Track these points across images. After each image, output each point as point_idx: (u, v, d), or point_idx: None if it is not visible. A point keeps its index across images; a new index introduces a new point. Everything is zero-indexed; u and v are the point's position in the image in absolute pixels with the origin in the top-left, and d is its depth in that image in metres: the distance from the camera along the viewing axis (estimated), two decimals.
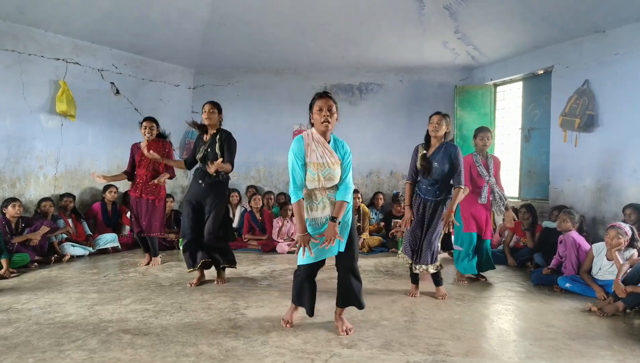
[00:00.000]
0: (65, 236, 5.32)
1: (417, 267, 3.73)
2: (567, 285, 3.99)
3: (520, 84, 6.46)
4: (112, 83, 6.35)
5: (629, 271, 3.55)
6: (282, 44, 6.41)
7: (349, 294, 2.90)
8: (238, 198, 6.84)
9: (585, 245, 4.18)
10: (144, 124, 4.74)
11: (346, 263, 2.89)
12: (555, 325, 3.14)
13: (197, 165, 4.14)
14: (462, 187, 3.64)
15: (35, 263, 4.76)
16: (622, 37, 4.88)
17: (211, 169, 3.86)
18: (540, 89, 6.08)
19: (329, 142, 2.83)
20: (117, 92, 6.41)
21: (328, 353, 2.59)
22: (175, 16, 5.64)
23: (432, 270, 3.71)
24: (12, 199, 4.87)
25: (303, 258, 2.83)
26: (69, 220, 5.53)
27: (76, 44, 5.87)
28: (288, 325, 3.00)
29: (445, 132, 3.70)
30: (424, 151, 3.72)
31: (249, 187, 7.30)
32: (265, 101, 7.41)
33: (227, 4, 5.43)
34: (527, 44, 5.87)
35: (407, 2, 5.23)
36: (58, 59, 5.68)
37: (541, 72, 6.00)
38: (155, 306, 3.43)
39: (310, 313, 3.01)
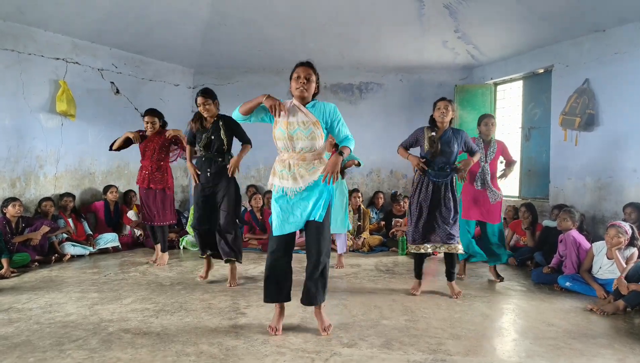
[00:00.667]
0: (65, 235, 5.32)
1: (438, 247, 3.68)
2: (568, 283, 3.99)
3: (520, 83, 6.46)
4: (112, 83, 6.35)
5: (629, 269, 3.55)
6: (282, 43, 6.41)
7: (310, 291, 2.85)
8: None
9: (585, 243, 4.18)
10: (145, 118, 4.69)
11: (312, 249, 2.78)
12: (556, 324, 3.14)
13: (198, 154, 4.08)
14: (479, 152, 3.87)
15: (36, 263, 4.76)
16: (622, 37, 4.88)
17: (232, 169, 3.94)
18: (540, 88, 6.08)
19: (306, 105, 2.79)
20: (117, 91, 6.41)
21: (328, 352, 2.59)
22: (175, 16, 5.63)
23: (460, 249, 3.69)
24: (12, 199, 4.87)
25: (276, 228, 2.77)
26: (69, 220, 5.53)
27: (76, 44, 5.86)
28: (277, 333, 2.85)
29: (452, 119, 3.73)
30: (433, 134, 3.70)
31: (249, 186, 7.30)
32: None
33: (227, 3, 5.43)
34: (527, 43, 5.87)
35: (407, 2, 5.23)
36: (58, 58, 5.67)
37: (541, 71, 6.00)
38: (156, 305, 3.43)
39: (283, 297, 2.90)
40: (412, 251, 3.79)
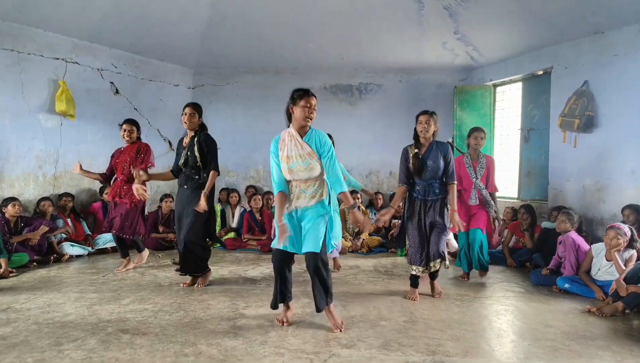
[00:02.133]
0: (64, 235, 5.32)
1: (431, 265, 3.65)
2: (566, 285, 3.99)
3: (519, 84, 6.46)
4: (112, 83, 6.35)
5: (628, 271, 3.56)
6: (282, 44, 6.41)
7: (317, 299, 3.00)
8: (237, 198, 6.84)
9: (584, 245, 4.19)
10: (124, 126, 4.59)
11: (311, 267, 2.92)
12: (554, 326, 3.15)
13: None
14: (455, 183, 3.68)
15: (34, 263, 4.76)
16: (621, 39, 4.89)
17: (201, 207, 3.77)
18: (539, 90, 6.08)
19: (304, 135, 2.93)
20: (117, 91, 6.40)
21: (327, 353, 2.59)
22: (175, 16, 5.63)
23: (438, 265, 3.66)
24: (11, 199, 4.86)
25: (278, 244, 2.96)
26: (68, 220, 5.52)
27: (75, 44, 5.86)
28: (285, 324, 3.05)
29: (434, 131, 3.65)
30: (416, 150, 3.66)
31: (248, 187, 7.30)
32: (264, 101, 7.41)
33: (226, 4, 5.43)
34: (526, 45, 5.87)
35: (406, 3, 5.23)
36: (57, 58, 5.67)
37: (540, 72, 6.01)
38: (155, 306, 3.43)
39: (278, 303, 3.08)
40: (415, 271, 3.70)
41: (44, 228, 4.91)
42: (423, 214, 3.65)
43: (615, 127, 4.93)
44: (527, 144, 6.31)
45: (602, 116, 5.06)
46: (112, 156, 4.76)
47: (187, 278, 4.08)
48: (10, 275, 4.30)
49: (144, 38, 6.10)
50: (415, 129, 3.69)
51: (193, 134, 3.94)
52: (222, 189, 7.18)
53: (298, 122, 2.92)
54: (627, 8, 4.53)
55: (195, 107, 3.95)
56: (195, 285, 4.01)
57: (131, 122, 4.65)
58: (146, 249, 4.92)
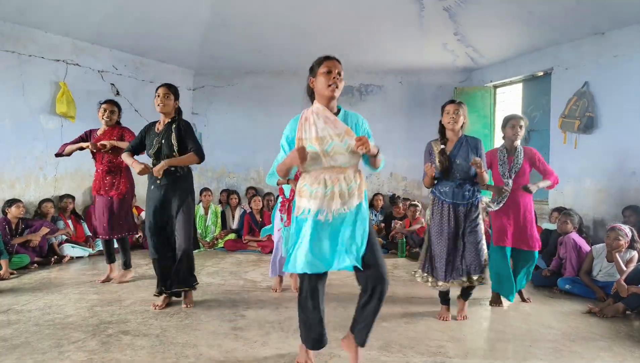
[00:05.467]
0: (65, 237, 5.32)
1: (454, 281, 3.13)
2: (567, 286, 3.99)
3: (520, 85, 6.47)
4: (112, 84, 6.36)
5: (629, 272, 3.56)
6: (282, 45, 6.42)
7: (365, 327, 2.28)
8: (237, 200, 6.84)
9: (585, 246, 4.18)
10: (104, 106, 4.06)
11: (377, 285, 2.19)
12: (555, 327, 3.14)
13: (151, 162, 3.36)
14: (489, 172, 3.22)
15: (35, 264, 4.76)
16: (622, 39, 4.89)
17: (159, 169, 3.16)
18: (540, 91, 6.08)
19: (336, 114, 2.31)
20: (117, 93, 6.41)
21: (328, 354, 2.58)
22: (176, 18, 5.64)
23: (476, 282, 3.11)
24: (15, 200, 4.87)
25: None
26: (69, 221, 5.52)
27: (76, 45, 5.87)
28: None
29: (463, 124, 3.14)
30: (442, 146, 3.14)
31: (249, 188, 7.31)
32: (265, 103, 7.42)
33: (227, 5, 5.44)
34: (526, 46, 5.88)
35: (406, 4, 5.24)
36: (58, 60, 5.68)
37: (541, 74, 6.01)
38: (155, 307, 3.42)
39: (317, 345, 2.35)
40: (419, 279, 3.27)
41: (44, 230, 4.92)
42: (453, 221, 3.11)
43: (615, 128, 4.93)
44: (528, 145, 6.30)
45: (602, 117, 5.06)
46: (84, 134, 4.19)
47: (160, 299, 3.44)
48: (11, 276, 4.30)
49: (145, 40, 6.11)
50: (440, 122, 3.20)
51: (169, 120, 3.36)
52: (223, 191, 7.19)
53: (322, 95, 2.27)
54: (628, 9, 4.53)
55: (170, 88, 3.39)
56: (184, 305, 3.42)
57: (113, 102, 4.16)
58: (131, 269, 4.29)
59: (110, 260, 4.23)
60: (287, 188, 3.72)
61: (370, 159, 2.33)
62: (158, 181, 3.29)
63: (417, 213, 6.17)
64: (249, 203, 6.49)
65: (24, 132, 5.37)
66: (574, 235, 4.25)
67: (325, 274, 2.31)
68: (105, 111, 4.07)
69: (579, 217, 4.66)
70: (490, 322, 3.28)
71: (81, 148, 4.08)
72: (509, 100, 6.69)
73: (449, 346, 2.76)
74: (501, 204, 3.53)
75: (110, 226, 4.07)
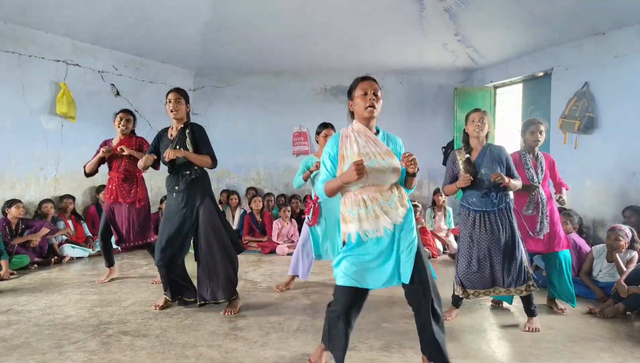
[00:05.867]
0: (65, 237, 5.32)
1: (502, 290, 3.06)
2: None
3: (520, 86, 6.47)
4: (113, 85, 6.36)
5: (629, 272, 3.56)
6: (283, 46, 6.42)
7: (432, 345, 2.23)
8: (237, 200, 6.84)
9: (585, 247, 4.18)
10: (120, 115, 4.16)
11: (421, 301, 2.24)
12: (555, 327, 3.14)
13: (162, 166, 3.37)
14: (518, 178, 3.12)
15: (35, 265, 4.76)
16: (622, 40, 4.89)
17: (173, 153, 3.14)
18: (540, 91, 6.08)
19: (375, 134, 2.32)
20: (118, 93, 6.41)
21: (328, 355, 2.58)
22: (176, 18, 5.64)
23: (524, 292, 3.05)
24: (15, 201, 4.88)
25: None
26: (69, 222, 5.53)
27: (77, 46, 5.88)
28: None
29: (487, 133, 3.14)
30: (467, 156, 3.13)
31: (249, 189, 7.31)
32: (265, 103, 7.43)
33: (227, 6, 5.44)
34: (526, 46, 5.88)
35: (407, 5, 5.24)
36: (58, 60, 5.68)
37: (541, 74, 6.01)
38: (155, 307, 3.42)
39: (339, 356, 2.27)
40: (459, 294, 3.16)
41: (45, 230, 4.92)
42: (485, 226, 3.05)
43: (615, 128, 4.93)
44: None
45: (602, 118, 5.06)
46: (100, 147, 4.23)
47: (160, 299, 3.45)
48: (11, 276, 4.31)
49: (145, 40, 6.11)
50: (464, 130, 3.21)
51: (182, 125, 3.34)
52: (223, 191, 7.19)
53: (361, 116, 2.27)
54: (628, 9, 4.53)
55: (180, 92, 3.34)
56: (223, 312, 3.31)
57: (129, 112, 4.28)
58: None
59: (110, 263, 4.26)
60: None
61: (408, 179, 2.35)
62: (176, 187, 3.29)
63: (417, 213, 6.16)
64: (249, 204, 6.49)
65: (25, 132, 5.37)
66: (574, 236, 4.24)
67: (364, 296, 2.31)
68: (121, 119, 4.17)
69: (579, 217, 4.66)
70: (490, 323, 3.27)
71: (102, 160, 4.13)
72: (509, 100, 6.70)
73: (449, 346, 2.74)
74: (531, 210, 3.37)
75: (134, 233, 4.10)
